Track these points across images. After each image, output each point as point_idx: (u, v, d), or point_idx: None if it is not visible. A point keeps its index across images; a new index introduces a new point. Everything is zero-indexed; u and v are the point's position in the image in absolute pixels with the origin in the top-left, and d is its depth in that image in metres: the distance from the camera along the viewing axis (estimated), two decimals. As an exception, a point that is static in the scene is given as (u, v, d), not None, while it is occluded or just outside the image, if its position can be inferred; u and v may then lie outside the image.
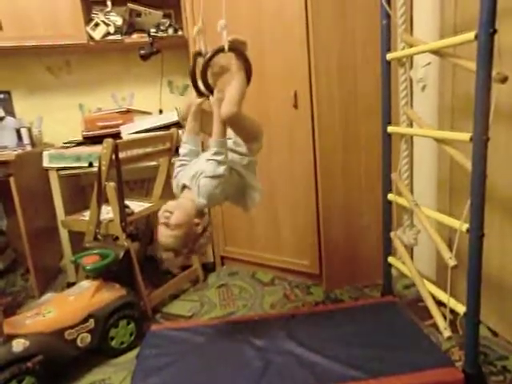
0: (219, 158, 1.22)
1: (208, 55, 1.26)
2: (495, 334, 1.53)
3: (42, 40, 2.21)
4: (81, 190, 2.55)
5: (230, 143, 1.33)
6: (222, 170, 1.21)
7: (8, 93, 2.49)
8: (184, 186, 1.31)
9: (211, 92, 1.29)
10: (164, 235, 1.23)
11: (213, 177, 1.21)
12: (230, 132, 1.32)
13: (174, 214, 1.22)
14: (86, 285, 1.62)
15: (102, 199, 1.81)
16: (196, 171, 1.26)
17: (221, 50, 1.24)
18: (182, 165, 1.36)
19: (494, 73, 1.06)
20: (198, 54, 1.34)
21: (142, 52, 2.29)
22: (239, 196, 1.35)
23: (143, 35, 2.32)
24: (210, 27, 2.06)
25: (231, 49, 1.24)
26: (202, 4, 1.34)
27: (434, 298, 1.39)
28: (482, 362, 1.33)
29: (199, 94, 1.34)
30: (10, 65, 2.48)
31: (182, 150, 1.39)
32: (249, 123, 1.31)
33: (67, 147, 2.24)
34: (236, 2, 1.97)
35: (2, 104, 2.45)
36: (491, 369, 1.35)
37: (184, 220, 1.22)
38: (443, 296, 1.32)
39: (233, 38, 1.24)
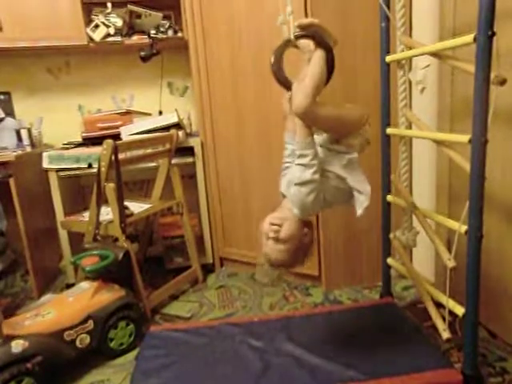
0: (304, 161, 1.08)
1: (277, 49, 1.14)
2: (494, 335, 1.53)
3: (42, 41, 2.21)
4: (80, 191, 2.55)
5: (323, 139, 1.18)
6: (309, 174, 1.08)
7: (8, 94, 2.50)
8: (283, 194, 1.21)
9: (290, 86, 1.15)
10: (274, 250, 1.13)
11: (301, 183, 1.09)
12: None
13: (283, 227, 1.12)
14: (86, 286, 1.62)
15: (102, 200, 1.81)
16: (290, 178, 1.16)
17: (288, 41, 1.12)
18: (286, 167, 1.24)
19: (492, 75, 1.07)
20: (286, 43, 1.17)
21: (142, 53, 2.30)
22: (345, 199, 1.20)
23: (143, 37, 2.33)
24: (214, 28, 2.09)
25: (299, 36, 1.11)
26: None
27: (432, 299, 1.40)
28: (480, 364, 1.33)
29: (287, 89, 1.19)
30: (10, 66, 2.48)
31: (285, 152, 1.26)
32: (335, 116, 1.14)
33: (67, 148, 2.24)
34: (236, 4, 1.98)
35: (2, 105, 2.45)
36: (490, 370, 1.35)
37: (294, 233, 1.13)
38: (442, 297, 1.33)
39: (298, 24, 1.10)
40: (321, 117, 1.09)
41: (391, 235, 1.69)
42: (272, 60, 1.16)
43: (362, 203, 1.15)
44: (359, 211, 1.16)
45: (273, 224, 1.13)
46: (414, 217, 1.54)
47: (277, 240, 1.12)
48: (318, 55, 1.10)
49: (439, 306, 1.36)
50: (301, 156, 1.09)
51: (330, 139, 1.18)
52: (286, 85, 1.17)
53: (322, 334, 1.54)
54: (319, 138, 1.19)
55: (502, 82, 1.09)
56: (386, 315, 1.64)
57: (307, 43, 1.14)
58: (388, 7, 1.50)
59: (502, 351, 1.44)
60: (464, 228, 1.18)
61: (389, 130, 1.60)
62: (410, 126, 1.56)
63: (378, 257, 1.78)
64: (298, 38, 1.12)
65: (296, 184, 1.10)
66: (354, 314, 1.69)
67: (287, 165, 1.24)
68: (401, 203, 1.57)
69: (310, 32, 1.12)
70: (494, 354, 1.43)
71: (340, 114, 1.16)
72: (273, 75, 1.17)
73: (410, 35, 1.82)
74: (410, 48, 1.45)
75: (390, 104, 1.60)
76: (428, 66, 1.78)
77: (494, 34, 1.03)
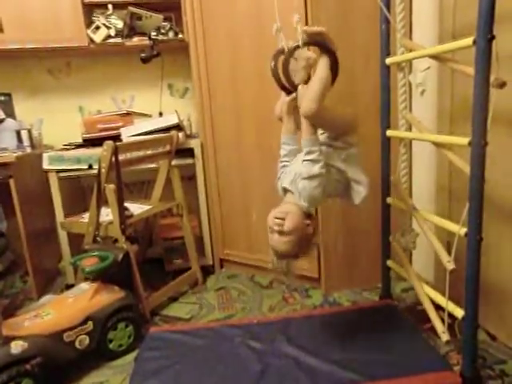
0: (312, 156, 1.18)
1: (286, 54, 1.23)
2: (493, 337, 1.53)
3: (43, 42, 2.22)
4: (80, 192, 2.55)
5: (324, 138, 1.29)
6: (317, 168, 1.18)
7: (9, 95, 2.50)
8: (286, 190, 1.30)
9: (295, 89, 1.25)
10: (280, 242, 1.21)
11: (310, 177, 1.18)
12: None
13: (286, 220, 1.19)
14: (85, 287, 1.61)
15: (102, 201, 1.81)
16: (294, 174, 1.24)
17: (297, 46, 1.21)
18: (284, 166, 1.34)
19: (492, 78, 1.07)
20: (281, 52, 1.28)
21: (143, 55, 2.30)
22: (344, 191, 1.30)
23: (144, 38, 2.33)
24: (214, 30, 2.09)
25: (307, 43, 1.20)
26: (276, 3, 1.29)
27: (432, 301, 1.40)
28: (480, 366, 1.33)
29: (287, 92, 1.30)
30: (11, 67, 2.48)
31: (281, 152, 1.36)
32: (336, 117, 1.26)
33: (67, 149, 2.24)
34: (236, 6, 1.99)
35: (3, 106, 2.45)
36: (489, 373, 1.35)
37: (297, 225, 1.20)
38: (441, 300, 1.33)
39: (305, 31, 1.19)
40: (326, 119, 1.22)
41: (391, 237, 1.69)
42: (272, 64, 1.28)
43: (360, 193, 1.26)
44: (357, 200, 1.27)
45: (277, 218, 1.20)
46: (413, 219, 1.54)
47: (281, 233, 1.19)
48: (324, 62, 1.20)
49: (439, 308, 1.36)
50: (309, 153, 1.18)
51: (330, 137, 1.29)
52: (288, 88, 1.28)
53: (322, 335, 1.54)
54: (322, 136, 1.30)
55: (502, 85, 1.09)
56: (386, 317, 1.64)
57: (303, 51, 1.23)
58: (388, 9, 1.50)
59: (502, 354, 1.44)
60: (464, 230, 1.19)
61: (389, 132, 1.61)
62: (409, 128, 1.56)
63: (378, 259, 1.78)
64: (306, 44, 1.20)
65: (304, 178, 1.18)
66: (354, 315, 1.69)
67: (285, 163, 1.35)
68: (400, 205, 1.57)
69: (317, 40, 1.20)
70: (493, 357, 1.43)
71: (339, 115, 1.28)
72: (274, 78, 1.28)
73: (410, 38, 1.83)
74: (410, 50, 1.45)
75: (390, 106, 1.60)
76: (428, 68, 1.79)
77: (493, 37, 1.03)
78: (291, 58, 1.23)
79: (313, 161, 1.18)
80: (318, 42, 1.20)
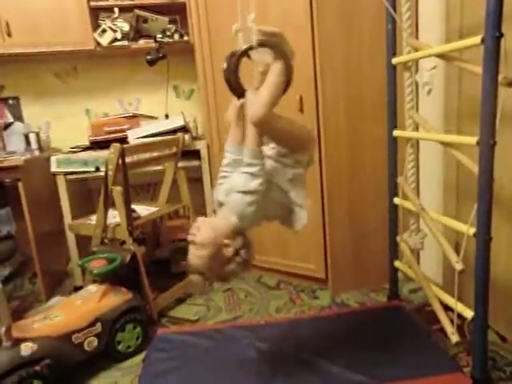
0: (252, 170, 1.06)
1: (237, 54, 1.12)
2: (504, 338, 1.51)
3: (51, 46, 2.25)
4: (88, 195, 2.57)
5: (272, 153, 1.18)
6: (255, 184, 1.05)
7: (17, 98, 2.53)
8: (221, 203, 1.15)
9: (242, 93, 1.14)
10: (191, 254, 1.09)
11: (245, 192, 1.06)
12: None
13: (199, 231, 1.08)
14: (93, 289, 1.62)
15: (109, 203, 1.82)
16: (231, 185, 1.11)
17: (251, 47, 1.10)
18: (223, 177, 1.19)
19: (500, 77, 1.06)
20: (234, 54, 1.16)
21: (149, 57, 2.32)
22: (284, 214, 1.18)
23: (149, 41, 2.35)
24: (219, 32, 2.09)
25: (261, 44, 1.09)
26: (239, 1, 1.18)
27: (441, 302, 1.39)
28: (490, 368, 1.32)
29: (238, 96, 1.17)
30: (19, 71, 2.51)
31: (223, 161, 1.21)
32: (288, 130, 1.16)
33: (74, 152, 2.26)
34: (241, 8, 1.99)
35: (11, 109, 2.49)
36: (500, 374, 1.33)
37: (209, 240, 1.06)
38: (450, 300, 1.32)
39: (259, 30, 1.09)
40: (276, 128, 1.11)
41: (398, 238, 1.68)
42: (225, 66, 1.15)
43: (301, 219, 1.15)
44: (298, 226, 1.15)
45: (195, 227, 1.10)
46: (421, 219, 1.53)
47: (194, 244, 1.08)
48: (278, 66, 1.09)
49: (447, 309, 1.35)
50: (250, 165, 1.07)
51: (279, 152, 1.18)
52: (238, 92, 1.16)
53: (329, 337, 1.54)
54: (267, 149, 1.19)
55: (510, 84, 1.08)
56: (394, 318, 1.63)
57: (262, 55, 1.13)
58: (394, 9, 1.50)
59: (512, 355, 1.43)
60: (472, 230, 1.17)
61: (396, 133, 1.60)
62: (416, 128, 1.55)
63: (385, 260, 1.77)
64: (260, 45, 1.09)
65: (239, 192, 1.07)
66: (362, 317, 1.68)
67: (225, 174, 1.19)
68: (408, 206, 1.56)
69: (272, 41, 1.10)
70: (504, 358, 1.41)
71: (293, 128, 1.17)
72: (225, 81, 1.15)
73: (417, 37, 1.82)
74: (417, 50, 1.44)
75: (397, 106, 1.59)
76: (435, 67, 1.78)
77: (501, 35, 1.02)
78: (240, 61, 1.13)
79: (252, 175, 1.06)
80: (273, 44, 1.10)
